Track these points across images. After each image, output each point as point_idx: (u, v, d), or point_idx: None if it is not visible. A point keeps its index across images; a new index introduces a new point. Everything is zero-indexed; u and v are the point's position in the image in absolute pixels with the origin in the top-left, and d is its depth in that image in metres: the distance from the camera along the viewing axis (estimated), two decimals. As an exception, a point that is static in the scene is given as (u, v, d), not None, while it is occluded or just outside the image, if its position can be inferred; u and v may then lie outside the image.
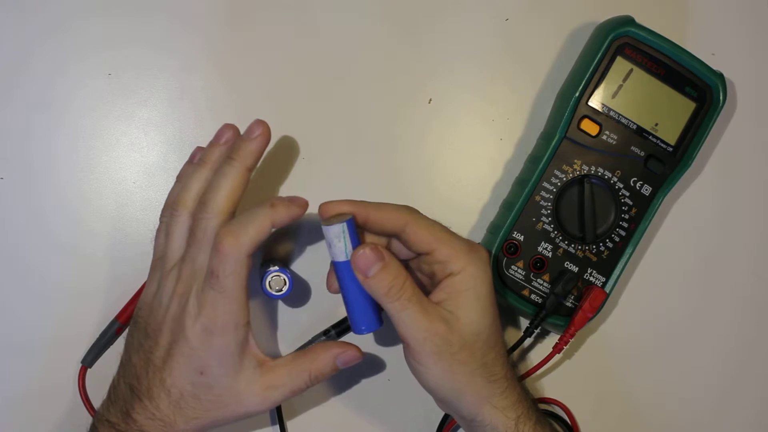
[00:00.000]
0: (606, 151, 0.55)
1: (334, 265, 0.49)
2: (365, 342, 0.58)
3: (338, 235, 0.47)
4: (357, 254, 0.47)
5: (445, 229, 0.50)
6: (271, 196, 0.48)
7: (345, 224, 0.47)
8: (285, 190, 0.58)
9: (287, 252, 0.58)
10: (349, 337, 0.57)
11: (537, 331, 0.56)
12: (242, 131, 0.51)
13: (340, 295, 0.50)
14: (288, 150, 0.58)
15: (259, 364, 0.49)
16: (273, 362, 0.49)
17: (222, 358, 0.47)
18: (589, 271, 0.56)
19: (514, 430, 0.49)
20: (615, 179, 0.55)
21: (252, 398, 0.48)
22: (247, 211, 0.48)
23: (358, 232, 0.49)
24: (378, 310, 0.50)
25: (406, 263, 0.49)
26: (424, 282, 0.52)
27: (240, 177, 0.49)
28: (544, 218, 0.55)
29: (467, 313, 0.49)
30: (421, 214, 0.50)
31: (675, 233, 0.60)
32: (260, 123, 0.51)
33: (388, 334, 0.59)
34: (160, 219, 0.52)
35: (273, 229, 0.47)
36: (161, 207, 0.52)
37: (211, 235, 0.48)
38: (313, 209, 0.56)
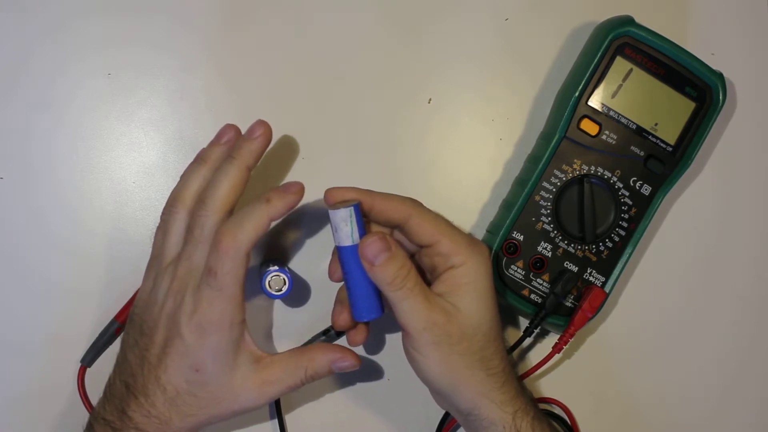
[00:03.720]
0: (606, 150, 0.55)
1: (339, 251, 0.49)
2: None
3: (345, 220, 0.47)
4: (365, 243, 0.47)
5: (448, 223, 0.51)
6: (266, 191, 0.48)
7: (352, 208, 0.48)
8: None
9: (287, 251, 0.58)
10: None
11: (537, 330, 0.56)
12: (243, 131, 0.51)
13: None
14: (287, 150, 0.58)
15: (255, 360, 0.49)
16: (270, 358, 0.49)
17: (217, 355, 0.47)
18: (588, 271, 0.56)
19: (512, 425, 0.49)
20: (615, 179, 0.55)
21: (248, 394, 0.49)
22: (243, 208, 0.48)
23: (363, 219, 0.49)
24: (380, 297, 0.50)
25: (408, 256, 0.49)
26: (425, 275, 0.52)
27: (240, 176, 0.49)
28: (543, 218, 0.55)
29: (467, 306, 0.49)
30: (425, 207, 0.51)
31: (675, 233, 0.60)
32: (262, 123, 0.51)
33: (389, 334, 0.59)
34: (161, 217, 0.52)
35: (272, 224, 0.47)
36: (161, 207, 0.52)
37: (208, 232, 0.48)
38: (312, 208, 0.56)
